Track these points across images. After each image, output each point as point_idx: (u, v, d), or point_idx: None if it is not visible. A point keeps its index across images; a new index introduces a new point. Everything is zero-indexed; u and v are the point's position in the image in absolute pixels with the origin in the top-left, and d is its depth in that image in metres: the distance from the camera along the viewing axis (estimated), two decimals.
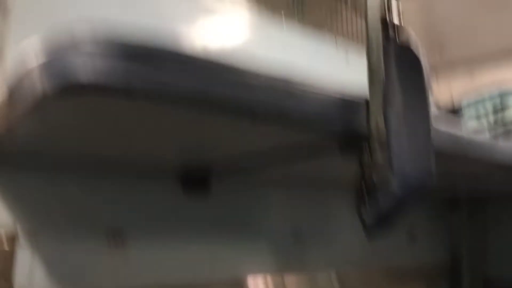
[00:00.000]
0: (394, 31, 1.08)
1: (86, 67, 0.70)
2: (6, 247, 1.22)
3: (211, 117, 0.85)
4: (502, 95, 2.51)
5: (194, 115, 0.84)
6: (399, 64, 1.06)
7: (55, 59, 0.72)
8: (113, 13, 1.61)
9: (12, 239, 1.23)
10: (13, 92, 0.85)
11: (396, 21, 1.08)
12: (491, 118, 2.52)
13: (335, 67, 2.20)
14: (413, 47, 1.08)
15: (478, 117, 2.56)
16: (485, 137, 1.53)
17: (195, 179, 1.58)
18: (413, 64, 1.08)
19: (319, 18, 2.21)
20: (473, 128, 2.55)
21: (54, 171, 1.33)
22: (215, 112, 0.82)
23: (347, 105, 1.01)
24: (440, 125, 1.22)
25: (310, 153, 1.19)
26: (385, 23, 1.08)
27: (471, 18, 2.57)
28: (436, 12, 2.59)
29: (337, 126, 0.99)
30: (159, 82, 0.73)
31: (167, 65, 0.74)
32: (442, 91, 2.68)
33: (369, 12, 1.09)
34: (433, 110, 1.12)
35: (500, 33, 2.54)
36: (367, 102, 1.04)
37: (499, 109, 2.52)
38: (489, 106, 2.54)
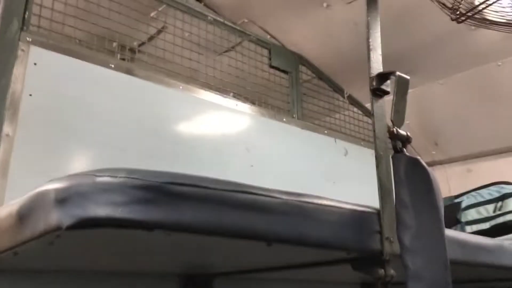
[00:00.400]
0: (402, 143, 1.09)
1: (103, 200, 0.69)
2: None
3: (225, 242, 0.83)
4: (500, 187, 2.53)
5: (208, 241, 0.82)
6: (408, 175, 1.05)
7: (72, 192, 0.71)
8: (117, 113, 1.63)
9: None
10: (24, 216, 0.83)
11: (403, 133, 1.09)
12: (490, 208, 2.51)
13: (334, 161, 2.23)
14: (420, 158, 1.09)
15: (477, 208, 2.56)
16: (491, 239, 1.50)
17: (198, 283, 1.53)
18: (422, 175, 1.07)
19: (318, 116, 2.28)
20: (472, 218, 2.53)
21: (54, 274, 1.27)
22: (230, 238, 0.80)
23: (359, 220, 0.99)
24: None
25: (320, 264, 1.16)
26: (393, 135, 1.08)
27: (466, 114, 2.63)
28: (431, 106, 2.65)
29: (351, 243, 0.97)
30: (175, 214, 0.72)
31: (182, 197, 0.73)
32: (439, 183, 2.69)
33: (377, 125, 1.09)
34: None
35: (494, 129, 2.59)
36: (378, 214, 1.03)
37: (497, 198, 2.52)
38: (487, 197, 2.54)
